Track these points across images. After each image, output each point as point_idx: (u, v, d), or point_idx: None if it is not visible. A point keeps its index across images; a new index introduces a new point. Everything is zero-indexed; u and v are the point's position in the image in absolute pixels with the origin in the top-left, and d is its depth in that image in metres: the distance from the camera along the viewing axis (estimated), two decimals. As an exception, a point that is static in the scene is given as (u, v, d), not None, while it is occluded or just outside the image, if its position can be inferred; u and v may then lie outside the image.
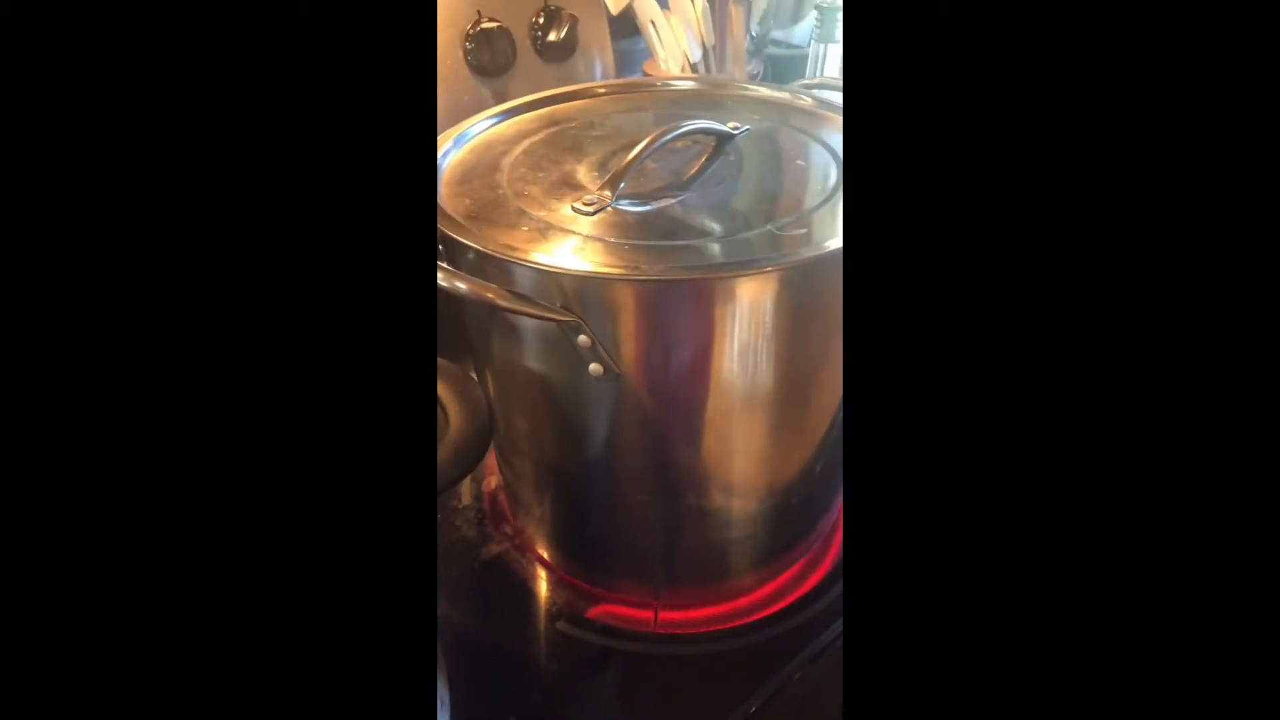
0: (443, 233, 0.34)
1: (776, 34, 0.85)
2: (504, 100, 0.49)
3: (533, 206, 0.37)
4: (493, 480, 0.54)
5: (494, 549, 0.50)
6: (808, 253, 0.34)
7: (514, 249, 0.33)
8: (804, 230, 0.35)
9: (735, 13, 0.75)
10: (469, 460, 0.31)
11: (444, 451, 0.30)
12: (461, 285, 0.31)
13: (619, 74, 0.82)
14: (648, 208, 0.37)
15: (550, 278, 0.32)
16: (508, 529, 0.51)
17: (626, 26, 0.79)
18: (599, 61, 0.79)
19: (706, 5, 0.74)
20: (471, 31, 0.68)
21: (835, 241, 0.34)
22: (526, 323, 0.36)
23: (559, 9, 0.72)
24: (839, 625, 0.45)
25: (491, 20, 0.69)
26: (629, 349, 0.34)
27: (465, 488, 0.54)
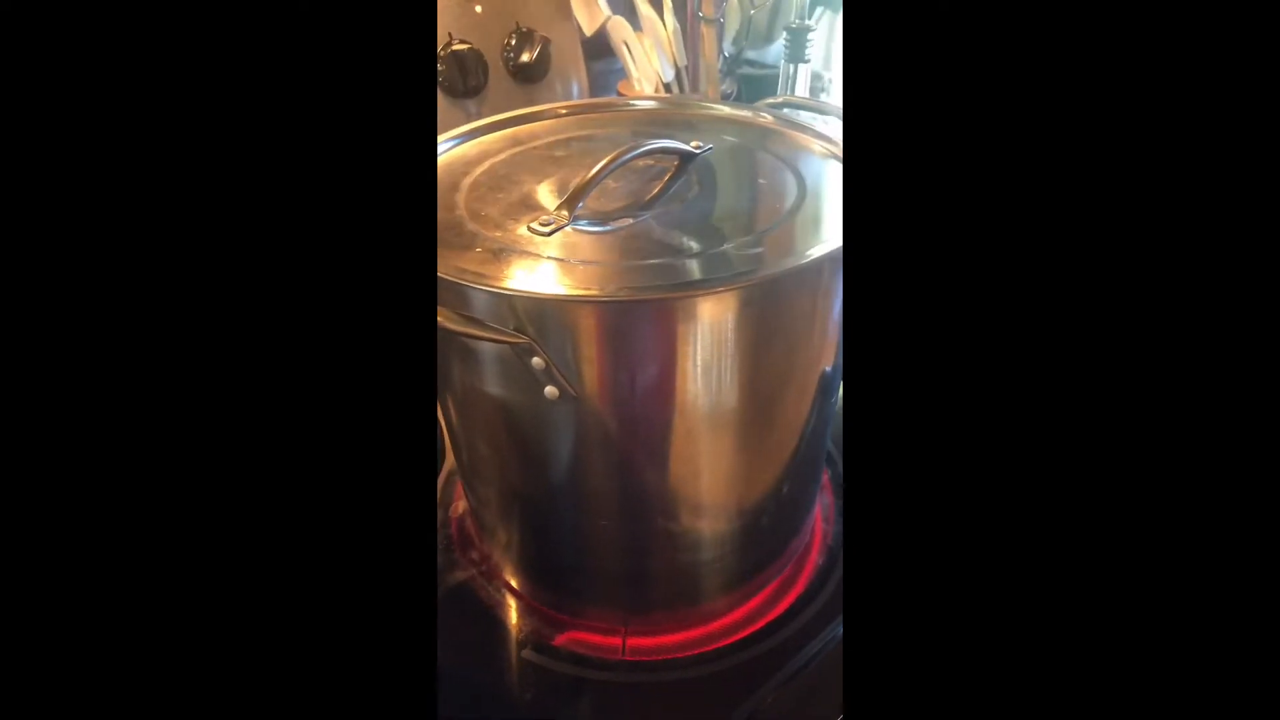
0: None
1: (750, 54, 0.86)
2: (475, 122, 0.48)
3: (489, 228, 0.36)
4: (460, 506, 0.53)
5: (460, 575, 0.49)
6: (768, 270, 0.34)
7: (466, 271, 0.32)
8: (763, 249, 0.35)
9: (707, 33, 0.75)
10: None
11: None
12: (410, 308, 0.31)
13: (594, 95, 0.82)
14: (606, 228, 0.37)
15: (502, 300, 0.32)
16: (474, 555, 0.50)
17: (601, 48, 0.79)
18: (575, 83, 0.79)
19: (677, 26, 0.74)
20: (442, 54, 0.68)
21: (795, 259, 0.34)
22: (484, 347, 0.35)
23: (531, 31, 0.73)
24: (814, 646, 0.45)
25: (463, 42, 0.69)
26: (587, 371, 0.34)
27: (433, 513, 0.53)
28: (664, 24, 0.74)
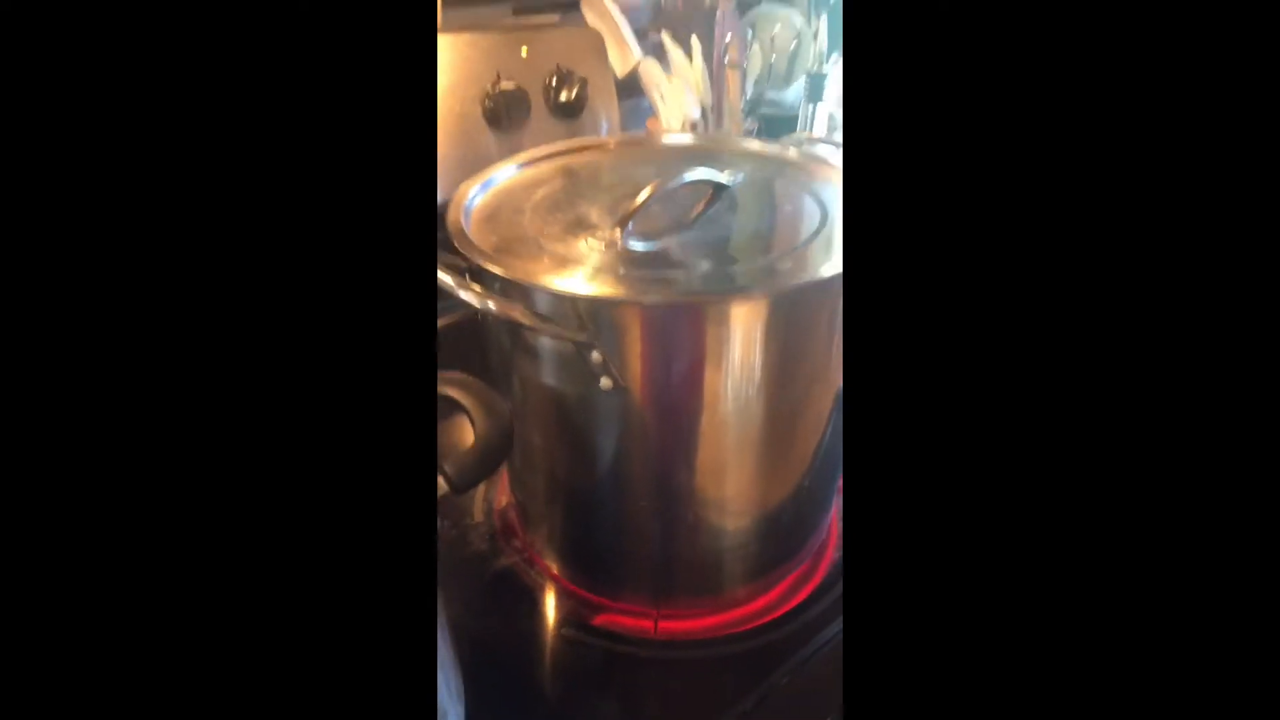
0: (473, 262, 0.39)
1: (770, 95, 0.93)
2: (518, 151, 0.54)
3: (552, 242, 0.41)
4: (503, 499, 0.58)
5: (504, 562, 0.53)
6: (793, 281, 0.39)
7: (535, 276, 0.37)
8: (790, 264, 0.40)
9: (731, 76, 0.82)
10: (493, 460, 0.35)
11: (472, 454, 0.34)
12: (491, 305, 0.36)
13: (624, 130, 0.89)
14: (653, 244, 0.42)
15: (567, 301, 0.37)
16: (517, 543, 0.54)
17: (632, 87, 0.86)
18: (605, 119, 0.86)
19: (705, 69, 0.81)
20: (491, 91, 0.74)
21: (819, 272, 0.39)
22: (544, 344, 0.40)
23: (571, 71, 0.79)
24: (828, 633, 0.48)
25: (509, 81, 0.75)
26: (634, 366, 0.39)
27: (477, 506, 0.58)
28: (693, 66, 0.80)
